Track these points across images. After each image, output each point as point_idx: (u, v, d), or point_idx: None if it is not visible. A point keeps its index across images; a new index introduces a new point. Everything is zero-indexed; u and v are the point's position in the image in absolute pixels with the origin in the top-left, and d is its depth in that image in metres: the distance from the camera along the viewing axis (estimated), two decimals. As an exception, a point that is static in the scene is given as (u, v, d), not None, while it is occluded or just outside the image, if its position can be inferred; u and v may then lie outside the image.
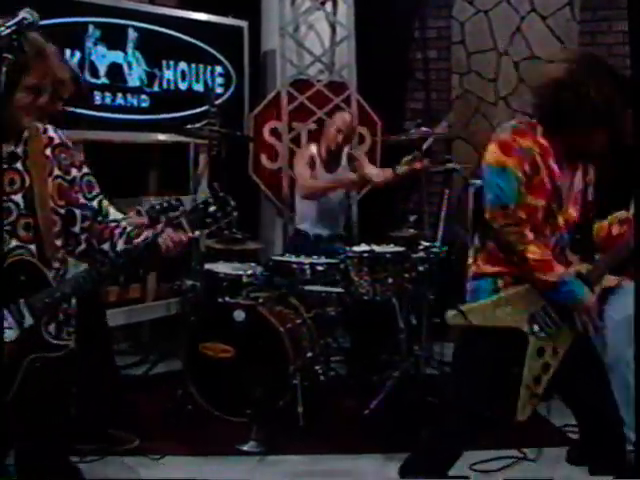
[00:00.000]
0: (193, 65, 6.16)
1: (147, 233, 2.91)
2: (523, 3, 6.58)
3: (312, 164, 5.80)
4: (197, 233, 3.02)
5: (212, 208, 2.92)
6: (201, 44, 6.21)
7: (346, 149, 5.99)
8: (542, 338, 3.12)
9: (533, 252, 3.03)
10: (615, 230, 3.38)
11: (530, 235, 3.04)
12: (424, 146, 5.29)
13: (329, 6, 6.71)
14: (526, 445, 4.47)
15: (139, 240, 2.90)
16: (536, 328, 3.11)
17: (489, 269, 3.19)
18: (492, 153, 3.10)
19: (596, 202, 3.67)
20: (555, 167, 3.11)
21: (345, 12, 6.69)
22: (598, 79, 2.97)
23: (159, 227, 2.89)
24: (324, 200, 5.78)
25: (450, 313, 3.17)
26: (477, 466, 4.23)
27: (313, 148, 5.91)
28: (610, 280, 4.03)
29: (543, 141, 3.10)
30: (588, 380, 3.30)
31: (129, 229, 2.97)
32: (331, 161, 5.86)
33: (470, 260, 3.28)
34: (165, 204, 2.92)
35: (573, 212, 3.19)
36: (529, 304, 3.12)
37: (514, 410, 3.12)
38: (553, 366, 3.14)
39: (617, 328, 4.03)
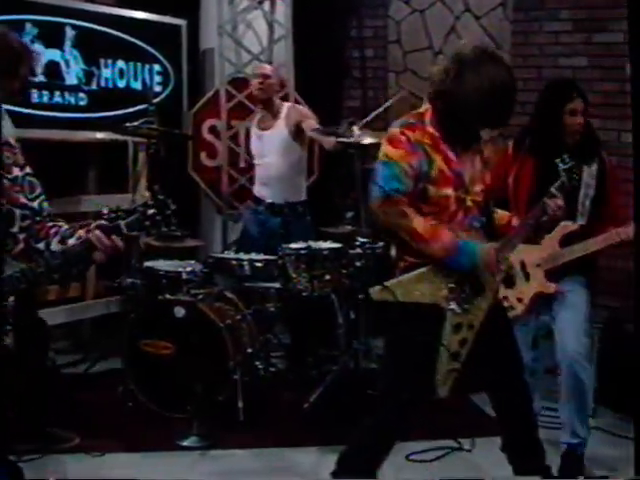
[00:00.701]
0: (131, 63, 6.16)
1: (81, 232, 2.93)
2: (457, 3, 6.67)
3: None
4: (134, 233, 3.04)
5: (151, 211, 2.93)
6: (139, 42, 6.20)
7: (287, 105, 5.90)
8: (458, 314, 3.19)
9: (418, 224, 3.09)
10: (515, 221, 3.47)
11: (411, 211, 3.09)
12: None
13: (267, 5, 6.72)
14: (461, 435, 4.59)
15: (73, 240, 2.92)
16: (452, 304, 3.18)
17: (414, 260, 3.24)
18: (381, 149, 3.17)
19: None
20: (450, 154, 3.16)
21: (283, 11, 6.72)
22: (478, 70, 3.03)
23: (92, 227, 2.91)
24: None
25: (375, 288, 3.23)
26: (413, 456, 4.36)
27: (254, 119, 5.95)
28: (549, 287, 4.18)
29: (433, 130, 3.15)
30: (507, 384, 3.40)
31: (63, 229, 2.99)
32: (264, 117, 5.82)
33: (394, 255, 3.36)
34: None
35: (478, 190, 3.26)
36: (445, 280, 3.18)
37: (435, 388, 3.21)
38: (470, 340, 3.21)
39: (565, 328, 4.18)
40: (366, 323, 5.26)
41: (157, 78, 6.38)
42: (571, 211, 4.05)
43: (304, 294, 5.09)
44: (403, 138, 3.10)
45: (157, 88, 6.34)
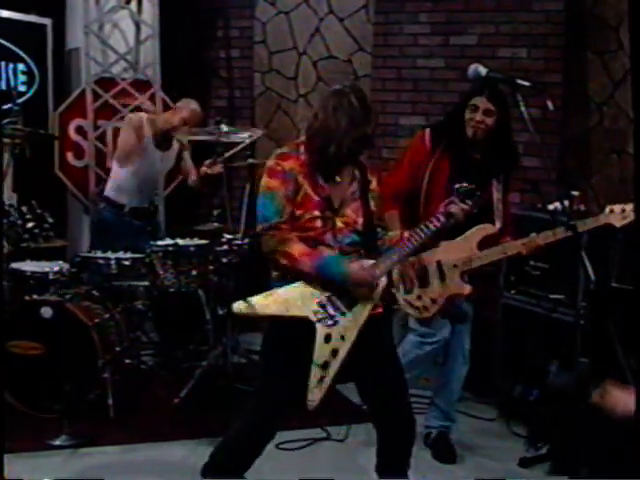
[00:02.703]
0: (-6, 62, 6.08)
1: None
2: (322, 5, 6.80)
3: (140, 134, 5.73)
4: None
5: (30, 225, 2.94)
6: (3, 41, 6.13)
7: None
8: (328, 325, 3.33)
9: (296, 249, 3.29)
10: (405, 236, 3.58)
11: (291, 237, 3.31)
12: (226, 154, 5.44)
13: (134, 5, 6.72)
14: (332, 424, 4.78)
15: None
16: (321, 316, 3.32)
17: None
18: (262, 181, 3.42)
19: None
20: (320, 181, 3.38)
21: (150, 11, 6.73)
22: (327, 109, 3.34)
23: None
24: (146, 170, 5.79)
25: (237, 304, 3.36)
26: (283, 445, 4.50)
27: (144, 118, 5.82)
28: (464, 289, 4.20)
29: (305, 159, 3.38)
30: (385, 384, 3.51)
31: None
32: (163, 141, 5.82)
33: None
34: None
35: (352, 215, 3.43)
36: (315, 295, 3.34)
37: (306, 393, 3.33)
38: (342, 350, 3.34)
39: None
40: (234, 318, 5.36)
41: (21, 78, 6.31)
42: (488, 215, 4.20)
43: (171, 290, 5.15)
44: (279, 168, 3.36)
45: (21, 88, 6.28)
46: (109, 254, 5.30)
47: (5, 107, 5.63)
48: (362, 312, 3.39)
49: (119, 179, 5.80)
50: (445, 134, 4.33)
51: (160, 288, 5.16)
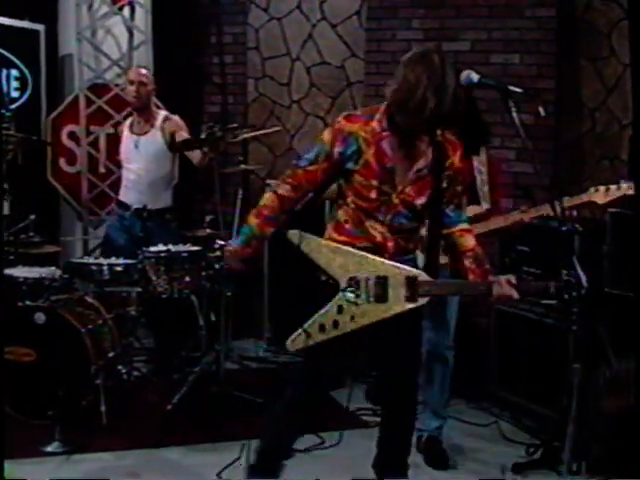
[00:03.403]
0: (-13, 68, 6.08)
1: None
2: (314, 11, 6.84)
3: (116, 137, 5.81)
4: None
5: None
6: (-4, 47, 6.15)
7: (163, 113, 5.90)
8: (347, 299, 3.30)
9: (266, 199, 3.47)
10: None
11: (281, 189, 3.44)
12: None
13: (126, 11, 6.73)
14: (325, 430, 4.77)
15: None
16: (348, 292, 3.30)
17: (336, 237, 3.42)
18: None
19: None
20: (387, 150, 3.30)
21: (143, 17, 6.74)
22: (415, 69, 3.16)
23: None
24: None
25: (293, 231, 3.38)
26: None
27: (125, 123, 5.87)
28: None
29: (376, 125, 3.31)
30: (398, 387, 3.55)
31: None
32: (139, 122, 5.78)
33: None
34: None
35: (411, 193, 3.34)
36: (355, 268, 3.31)
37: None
38: (343, 329, 3.30)
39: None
40: (227, 324, 5.37)
41: (14, 83, 6.31)
42: (474, 197, 4.25)
43: (164, 296, 5.13)
44: (337, 126, 3.35)
45: (14, 94, 6.27)
46: (101, 260, 5.30)
47: (-1, 112, 5.65)
48: (386, 310, 3.32)
49: (123, 180, 5.84)
50: None
51: (153, 294, 5.14)
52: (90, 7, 6.61)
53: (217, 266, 5.01)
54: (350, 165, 3.33)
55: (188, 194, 6.90)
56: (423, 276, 3.33)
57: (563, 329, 4.65)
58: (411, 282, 3.30)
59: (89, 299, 5.14)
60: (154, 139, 5.70)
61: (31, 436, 4.58)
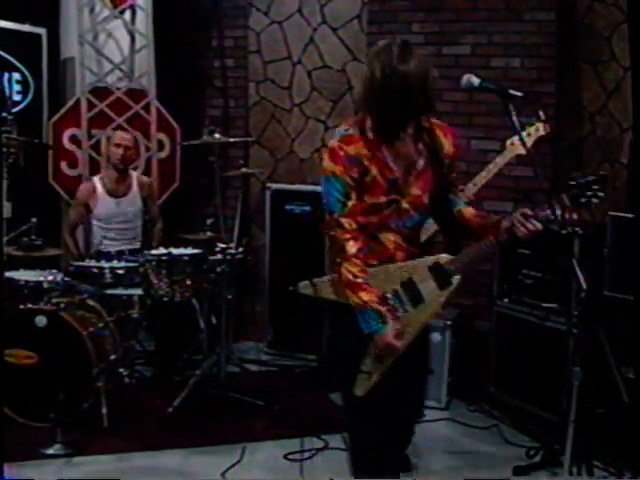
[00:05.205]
0: (-11, 72, 6.08)
1: None
2: (315, 15, 6.83)
3: (91, 195, 5.91)
4: None
5: None
6: (-2, 50, 6.15)
7: (135, 174, 6.10)
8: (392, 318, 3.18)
9: (347, 270, 3.15)
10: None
11: (353, 248, 3.16)
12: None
13: (128, 15, 6.75)
14: (328, 432, 4.80)
15: None
16: (384, 309, 3.17)
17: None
18: (324, 161, 3.26)
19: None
20: (389, 161, 3.22)
21: (144, 20, 6.73)
22: (382, 61, 3.08)
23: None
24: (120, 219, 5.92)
25: (302, 283, 3.31)
26: (290, 456, 4.55)
27: (95, 179, 6.02)
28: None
29: (371, 136, 3.20)
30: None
31: None
32: (117, 183, 5.95)
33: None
34: None
35: (417, 192, 3.27)
36: (381, 286, 3.21)
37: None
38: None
39: None
40: (228, 328, 5.37)
41: (16, 87, 6.30)
42: None
43: (165, 299, 5.14)
44: (341, 153, 3.18)
45: (16, 97, 6.26)
46: (103, 263, 5.31)
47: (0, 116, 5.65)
48: (427, 307, 3.25)
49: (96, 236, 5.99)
50: None
51: (154, 297, 5.15)
52: (92, 11, 6.60)
53: (218, 269, 5.03)
54: (360, 187, 3.23)
55: (189, 197, 6.91)
56: (442, 258, 3.27)
57: (563, 332, 4.67)
58: (436, 269, 3.25)
59: (90, 302, 5.15)
60: (136, 200, 6.01)
61: (32, 438, 4.60)
